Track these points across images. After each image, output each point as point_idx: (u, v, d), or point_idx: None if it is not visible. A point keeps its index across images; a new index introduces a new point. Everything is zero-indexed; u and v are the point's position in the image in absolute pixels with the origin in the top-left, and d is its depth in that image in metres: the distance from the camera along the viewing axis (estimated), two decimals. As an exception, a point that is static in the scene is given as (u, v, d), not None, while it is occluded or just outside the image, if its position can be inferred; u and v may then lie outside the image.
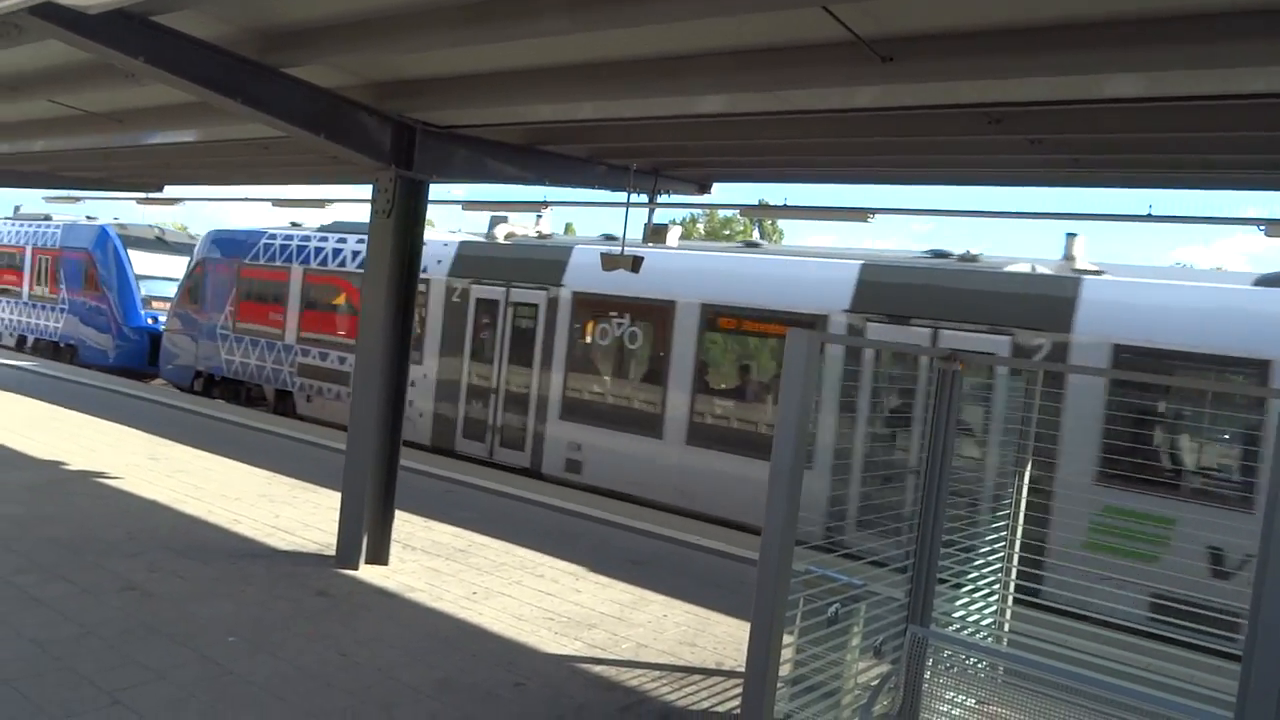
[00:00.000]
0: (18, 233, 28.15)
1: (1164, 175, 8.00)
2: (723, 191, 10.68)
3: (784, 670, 4.10)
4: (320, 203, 17.32)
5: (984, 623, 5.43)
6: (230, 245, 19.93)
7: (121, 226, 25.19)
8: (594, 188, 10.40)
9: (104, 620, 6.18)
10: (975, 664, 4.91)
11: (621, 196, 10.80)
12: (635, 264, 10.54)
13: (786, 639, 4.07)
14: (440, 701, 5.48)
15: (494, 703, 5.55)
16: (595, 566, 8.73)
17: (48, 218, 27.73)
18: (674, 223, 14.34)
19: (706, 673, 6.44)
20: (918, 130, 7.04)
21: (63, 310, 25.43)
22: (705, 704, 5.90)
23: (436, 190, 12.39)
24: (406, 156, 7.99)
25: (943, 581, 5.14)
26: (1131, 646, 4.69)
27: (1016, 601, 5.54)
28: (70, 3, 4.80)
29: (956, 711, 4.74)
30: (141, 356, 23.23)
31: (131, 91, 8.89)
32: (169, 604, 6.61)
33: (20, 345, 27.14)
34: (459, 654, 6.27)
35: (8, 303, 28.06)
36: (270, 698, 5.29)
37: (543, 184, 10.19)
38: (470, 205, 15.01)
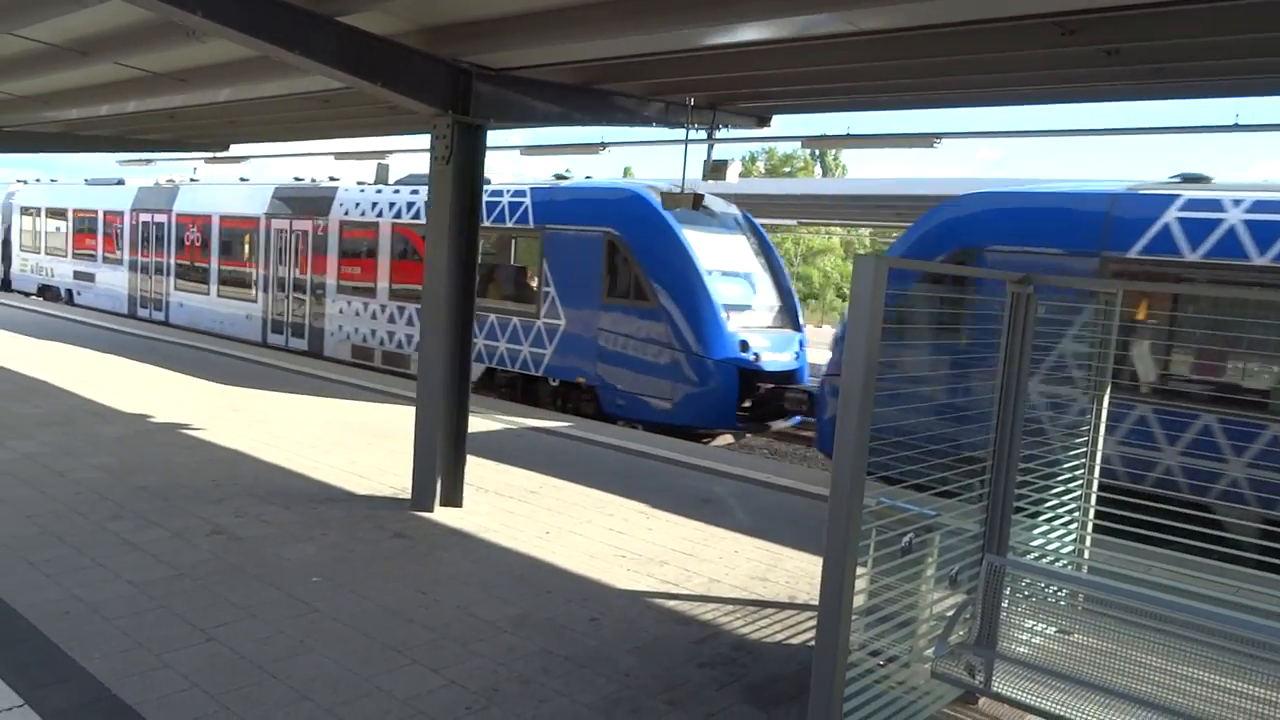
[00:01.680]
0: (391, 203, 18.35)
1: (1252, 81, 7.56)
2: (782, 125, 10.36)
3: (858, 601, 4.08)
4: (381, 153, 17.43)
5: (1063, 551, 5.32)
6: None
7: (658, 191, 14.01)
8: (651, 125, 10.25)
9: (195, 563, 6.44)
10: (1055, 592, 4.83)
11: (679, 135, 10.66)
12: (696, 201, 10.42)
13: (860, 570, 4.04)
14: (517, 636, 5.61)
15: (569, 637, 5.66)
16: (665, 505, 8.80)
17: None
18: (732, 160, 13.96)
19: (779, 606, 6.46)
20: (986, 47, 6.75)
21: (549, 330, 15.36)
22: (779, 637, 5.93)
23: (496, 137, 12.43)
24: (463, 101, 7.95)
25: (1019, 510, 5.04)
26: (1220, 572, 4.55)
27: (1096, 529, 5.42)
28: (127, -43, 4.83)
29: (1037, 640, 4.68)
30: (721, 408, 13.87)
31: (194, 50, 9.01)
32: (255, 547, 6.85)
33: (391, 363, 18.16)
34: (534, 591, 6.40)
35: (383, 310, 18.41)
36: (355, 633, 5.47)
37: (599, 124, 10.10)
38: (529, 150, 14.97)
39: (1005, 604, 4.62)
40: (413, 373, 15.17)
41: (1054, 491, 5.25)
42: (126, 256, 26.05)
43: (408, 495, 8.32)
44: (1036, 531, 5.22)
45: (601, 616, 6.02)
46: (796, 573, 7.16)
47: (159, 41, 8.82)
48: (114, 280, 26.77)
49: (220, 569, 6.36)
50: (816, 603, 4.00)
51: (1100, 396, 5.49)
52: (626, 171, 36.34)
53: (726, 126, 10.73)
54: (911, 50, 6.98)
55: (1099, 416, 5.45)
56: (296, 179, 22.79)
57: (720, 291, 13.73)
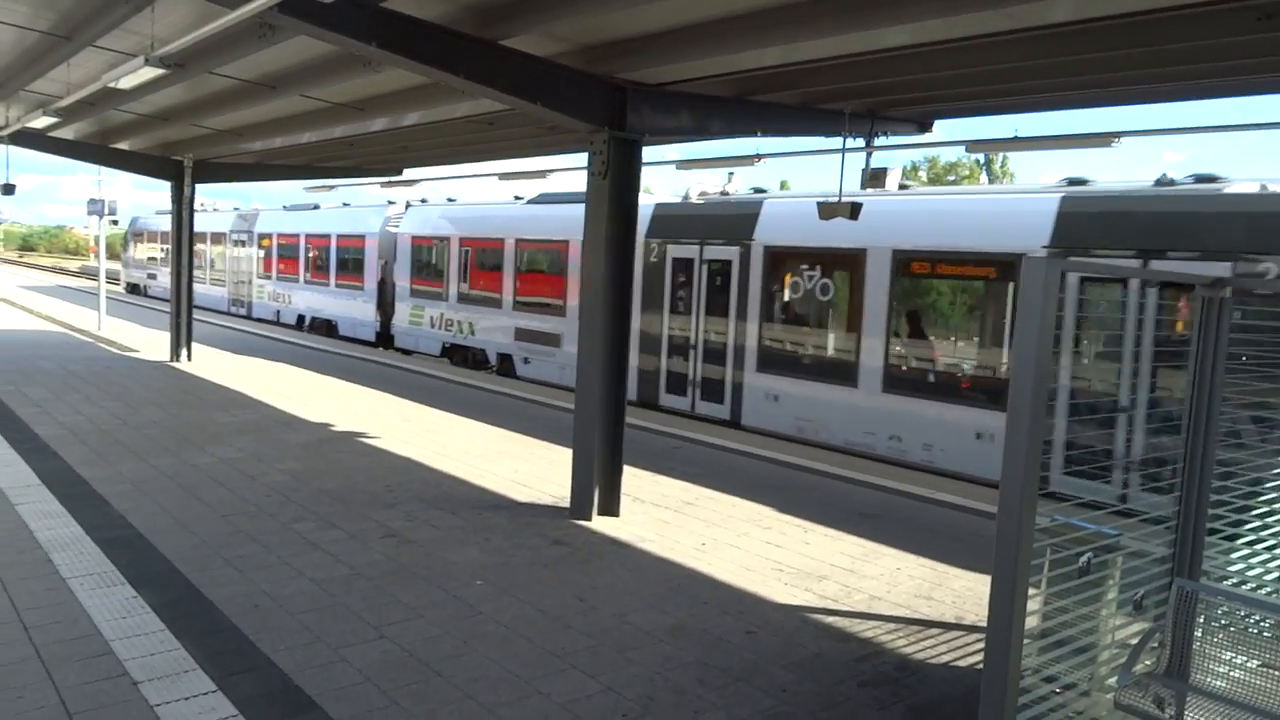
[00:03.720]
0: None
1: None
2: (944, 130, 10.04)
3: (1030, 623, 3.85)
4: (542, 173, 17.95)
5: (1267, 578, 4.85)
6: None
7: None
8: (807, 135, 10.12)
9: (370, 563, 6.79)
10: (1258, 621, 4.40)
11: (836, 143, 10.46)
12: (854, 210, 10.20)
13: (1032, 591, 3.81)
14: (673, 646, 5.61)
15: (725, 649, 5.61)
16: (823, 519, 8.62)
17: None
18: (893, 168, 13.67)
19: (945, 626, 6.19)
20: (1168, 37, 6.29)
21: None
22: (945, 658, 5.68)
23: (651, 153, 12.65)
24: (619, 117, 8.09)
25: (1213, 532, 4.63)
26: None
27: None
28: (309, -6, 5.19)
29: (1236, 674, 4.28)
30: None
31: (369, 80, 9.58)
32: (424, 550, 7.16)
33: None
34: (690, 601, 6.39)
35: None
36: (516, 636, 5.62)
37: (754, 135, 10.03)
38: (685, 164, 15.03)
39: (1199, 633, 4.25)
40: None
41: (1256, 512, 4.80)
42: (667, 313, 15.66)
43: (567, 504, 8.50)
44: (1235, 555, 4.78)
45: (758, 630, 5.95)
46: (963, 592, 6.85)
47: (340, 73, 9.43)
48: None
49: (392, 570, 6.68)
50: (985, 624, 3.80)
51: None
52: (783, 185, 35.94)
53: (885, 134, 10.47)
54: (1083, 45, 6.60)
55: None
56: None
57: None
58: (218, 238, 32.69)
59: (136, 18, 7.89)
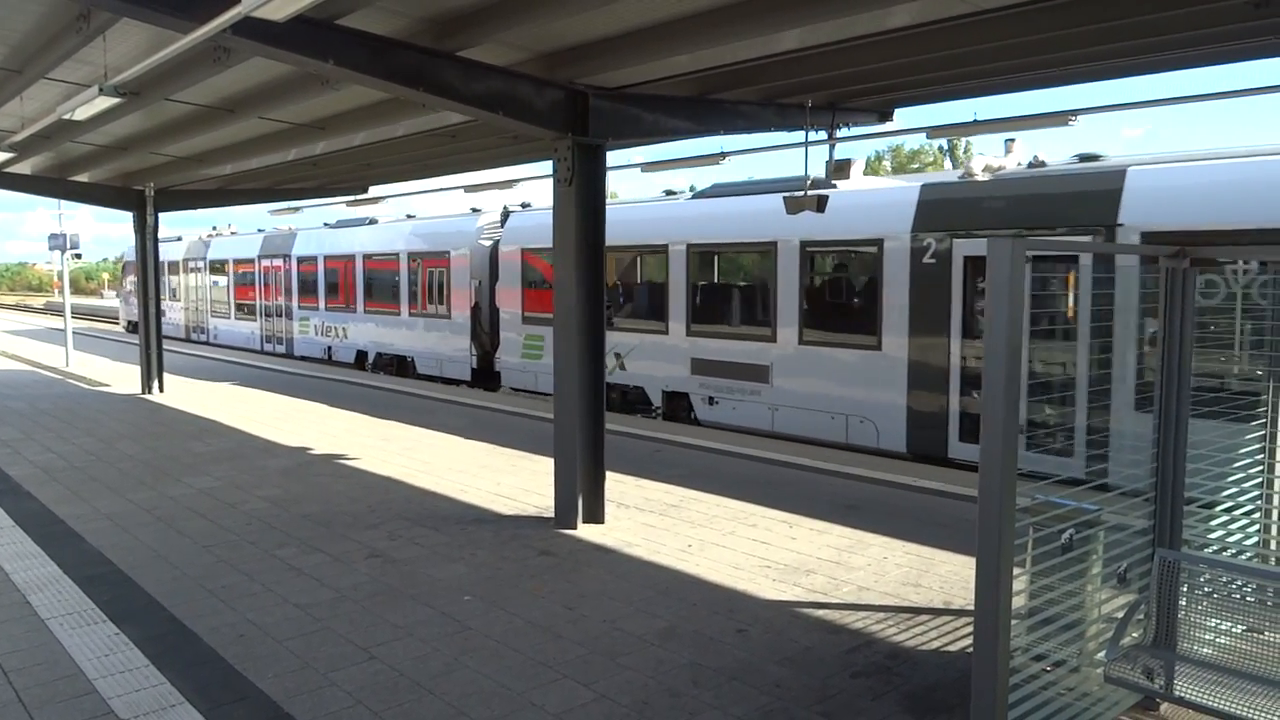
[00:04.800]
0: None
1: None
2: (905, 118, 10.16)
3: (1017, 603, 3.86)
4: (509, 183, 17.93)
5: (1247, 543, 4.90)
6: None
7: None
8: (770, 130, 10.16)
9: (355, 585, 6.73)
10: (1241, 587, 4.45)
11: (799, 137, 10.51)
12: (820, 204, 10.24)
13: (1017, 571, 3.83)
14: (665, 649, 5.59)
15: (717, 649, 5.60)
16: (808, 513, 8.63)
17: None
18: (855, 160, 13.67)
19: (934, 612, 6.22)
20: (1118, 12, 6.37)
21: None
22: (935, 644, 5.70)
23: (616, 158, 12.62)
24: (581, 123, 8.09)
25: (1190, 502, 4.68)
26: None
27: (1283, 520, 4.96)
28: (262, 15, 5.15)
29: (1222, 640, 4.32)
30: None
31: (328, 98, 9.53)
32: (409, 568, 7.10)
33: None
34: (679, 604, 6.37)
35: None
36: (506, 649, 5.58)
37: (717, 134, 10.04)
38: (650, 166, 15.07)
39: (1184, 602, 4.29)
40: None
41: (1231, 480, 4.85)
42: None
43: (552, 514, 8.46)
44: (1215, 523, 4.83)
45: (749, 628, 5.94)
46: (950, 577, 6.88)
47: (299, 93, 9.36)
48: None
49: (378, 590, 6.62)
50: (973, 607, 3.81)
51: (1277, 375, 5.05)
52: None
53: (848, 125, 10.52)
54: (1037, 25, 6.65)
55: (1276, 396, 5.01)
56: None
57: None
58: (243, 265, 28.77)
59: (88, 47, 7.80)
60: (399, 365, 21.75)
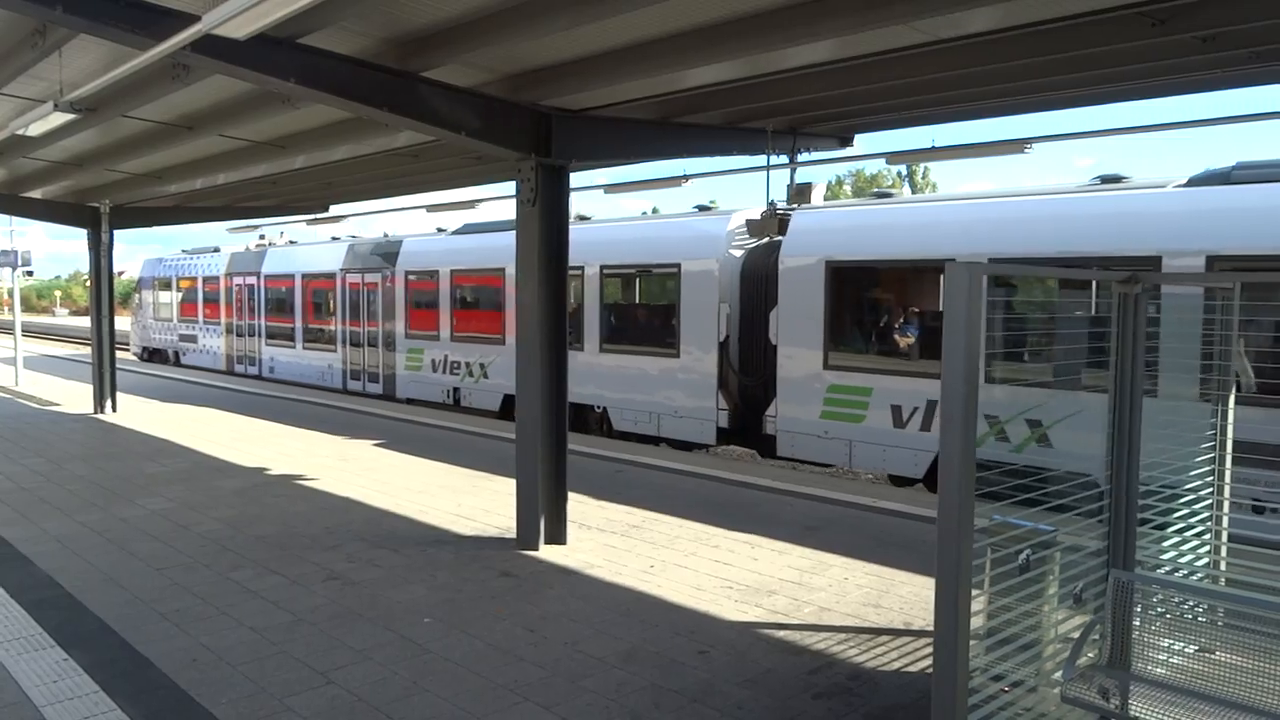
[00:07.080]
0: None
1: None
2: (865, 143, 10.30)
3: (975, 623, 3.91)
4: (471, 203, 17.88)
5: (1198, 564, 5.00)
6: None
7: None
8: (732, 154, 10.26)
9: (313, 608, 6.62)
10: (1193, 607, 4.53)
11: (761, 160, 10.63)
12: (782, 225, 10.36)
13: (975, 592, 3.87)
14: (626, 671, 5.57)
15: (679, 670, 5.59)
16: (770, 534, 8.66)
17: None
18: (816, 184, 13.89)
19: (895, 633, 6.26)
20: (1071, 44, 6.54)
21: None
22: (896, 665, 5.74)
23: (580, 179, 12.61)
24: (545, 144, 8.11)
25: (1144, 522, 4.77)
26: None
27: (1232, 539, 5.08)
28: (223, 33, 5.11)
29: (1175, 660, 4.39)
30: None
31: (289, 117, 9.46)
32: (368, 590, 7.00)
33: None
34: (641, 625, 6.35)
35: None
36: (466, 673, 5.51)
37: (679, 156, 10.14)
38: (613, 188, 15.12)
39: (1137, 622, 4.36)
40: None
41: (1182, 501, 4.95)
42: None
43: (513, 535, 8.40)
44: (1167, 544, 4.92)
45: (711, 649, 5.94)
46: (910, 598, 6.93)
47: (259, 111, 9.28)
48: None
49: (336, 613, 6.52)
50: (932, 628, 3.84)
51: (1225, 398, 5.18)
52: (712, 203, 36.14)
53: (808, 150, 10.66)
54: (994, 55, 6.81)
55: (1225, 419, 5.14)
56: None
57: None
58: (317, 281, 23.42)
59: (44, 63, 7.68)
60: (595, 420, 16.02)
